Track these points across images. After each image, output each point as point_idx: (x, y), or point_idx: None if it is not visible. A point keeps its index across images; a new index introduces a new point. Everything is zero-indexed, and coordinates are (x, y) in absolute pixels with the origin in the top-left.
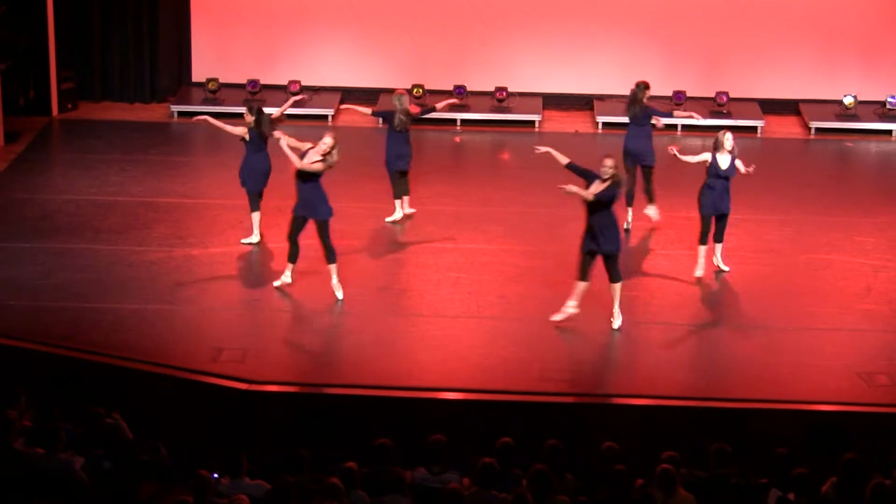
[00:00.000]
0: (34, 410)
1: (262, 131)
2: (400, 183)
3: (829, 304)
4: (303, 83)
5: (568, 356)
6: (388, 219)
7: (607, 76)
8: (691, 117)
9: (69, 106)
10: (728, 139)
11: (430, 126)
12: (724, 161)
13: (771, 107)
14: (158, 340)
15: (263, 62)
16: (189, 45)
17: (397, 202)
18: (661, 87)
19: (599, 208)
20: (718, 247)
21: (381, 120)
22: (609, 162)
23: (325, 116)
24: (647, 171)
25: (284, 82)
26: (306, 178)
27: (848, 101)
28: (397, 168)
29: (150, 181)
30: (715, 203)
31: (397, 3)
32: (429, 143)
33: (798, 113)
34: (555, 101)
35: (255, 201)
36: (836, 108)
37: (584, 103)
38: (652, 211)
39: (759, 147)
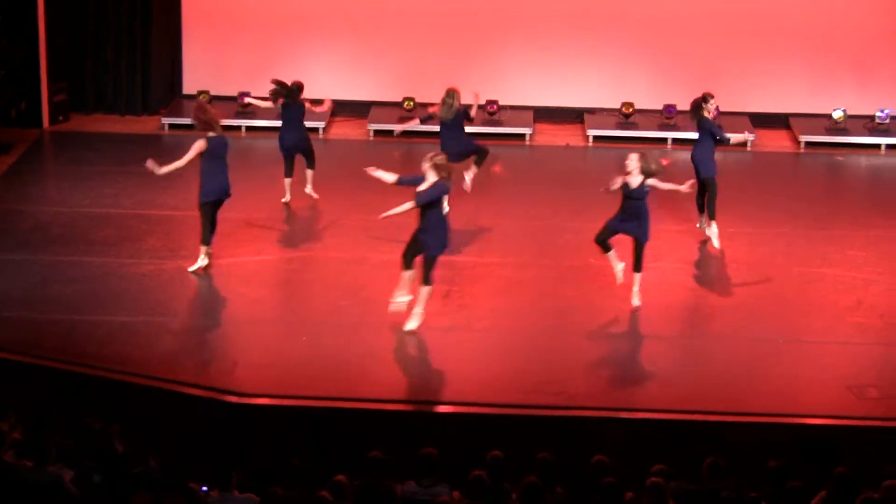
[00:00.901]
0: (24, 423)
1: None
2: None
3: (821, 316)
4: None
5: (560, 369)
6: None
7: (598, 90)
8: (744, 137)
9: (61, 118)
10: (631, 160)
11: (421, 139)
12: (634, 182)
13: (761, 120)
14: (149, 353)
15: (255, 75)
16: (181, 57)
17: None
18: (651, 101)
19: (428, 208)
20: (636, 276)
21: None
22: (427, 164)
23: (316, 129)
24: (704, 184)
25: None
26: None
27: (838, 115)
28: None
29: (142, 193)
30: (620, 225)
31: (390, 15)
32: (419, 156)
33: (788, 127)
34: (546, 115)
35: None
36: (826, 122)
37: (575, 116)
38: (712, 232)
39: (749, 160)
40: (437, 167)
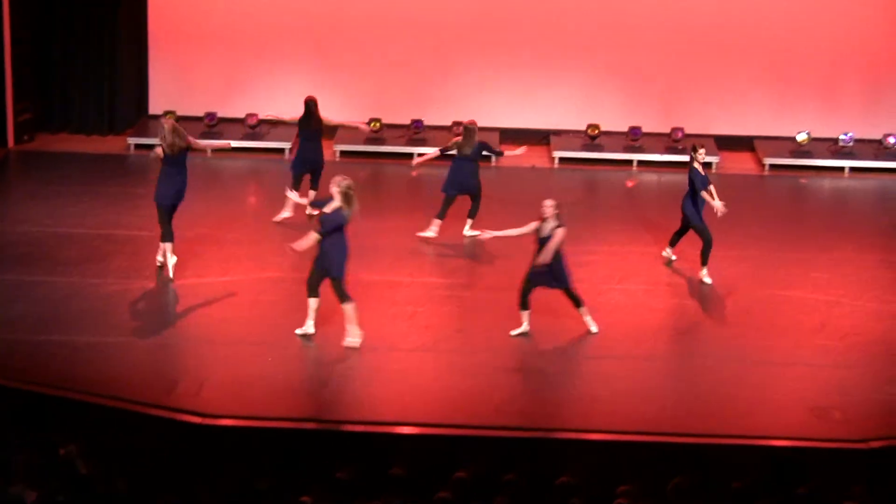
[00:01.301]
0: None
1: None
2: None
3: (785, 339)
4: (261, 116)
5: (526, 390)
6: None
7: (564, 111)
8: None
9: (26, 137)
10: (547, 206)
11: (388, 160)
12: (545, 230)
13: (726, 143)
14: (114, 373)
15: (221, 95)
16: (147, 77)
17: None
18: (617, 123)
19: (330, 232)
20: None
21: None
22: (335, 189)
23: (283, 150)
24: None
25: (242, 115)
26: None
27: (801, 137)
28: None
29: (107, 213)
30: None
31: (356, 36)
32: (386, 177)
33: (753, 149)
34: (512, 136)
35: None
36: (790, 145)
37: (541, 138)
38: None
39: (714, 183)
40: (343, 195)
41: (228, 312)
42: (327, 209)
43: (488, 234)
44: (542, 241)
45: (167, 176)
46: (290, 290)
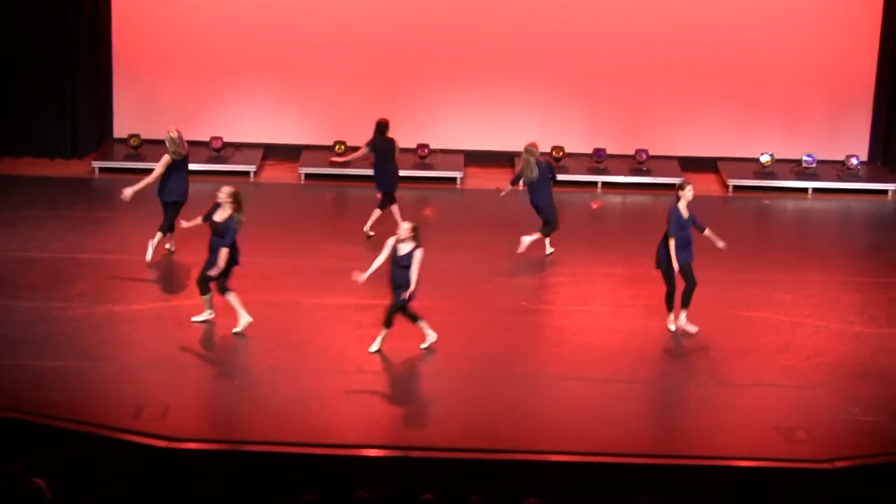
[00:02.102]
0: None
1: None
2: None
3: (750, 359)
4: (225, 139)
5: (493, 412)
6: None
7: (529, 134)
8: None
9: None
10: (403, 229)
11: (352, 183)
12: (403, 249)
13: (690, 164)
14: (79, 398)
15: (186, 118)
16: (111, 100)
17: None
18: (581, 145)
19: (214, 234)
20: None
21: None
22: (223, 196)
23: (248, 173)
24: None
25: (207, 138)
26: None
27: (765, 159)
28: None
29: (71, 237)
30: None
31: (320, 59)
32: (351, 200)
33: (717, 171)
34: (477, 158)
35: (387, 201)
36: (754, 167)
37: (505, 160)
38: (682, 322)
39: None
40: (232, 201)
41: (193, 336)
42: (217, 217)
43: (362, 278)
44: (397, 262)
45: (175, 176)
46: (254, 312)
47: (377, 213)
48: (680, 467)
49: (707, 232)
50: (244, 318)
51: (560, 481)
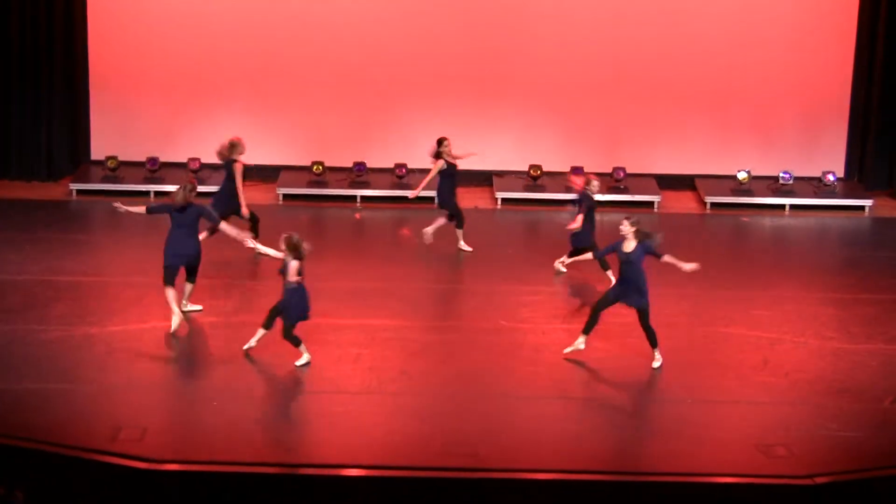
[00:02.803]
0: None
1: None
2: None
3: (728, 376)
4: (203, 160)
5: (472, 431)
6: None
7: (506, 152)
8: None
9: None
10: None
11: (330, 203)
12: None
13: (667, 182)
14: (57, 420)
15: (163, 140)
16: (88, 122)
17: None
18: (558, 163)
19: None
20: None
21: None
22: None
23: None
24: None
25: (185, 160)
26: None
27: (742, 176)
28: None
29: (49, 259)
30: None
31: (298, 79)
32: (328, 220)
33: (694, 188)
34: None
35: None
36: (732, 184)
37: (483, 179)
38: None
39: (656, 222)
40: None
41: (171, 357)
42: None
43: (255, 246)
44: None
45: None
46: (233, 333)
47: (459, 232)
48: (659, 484)
49: (667, 258)
50: (305, 354)
51: (540, 499)
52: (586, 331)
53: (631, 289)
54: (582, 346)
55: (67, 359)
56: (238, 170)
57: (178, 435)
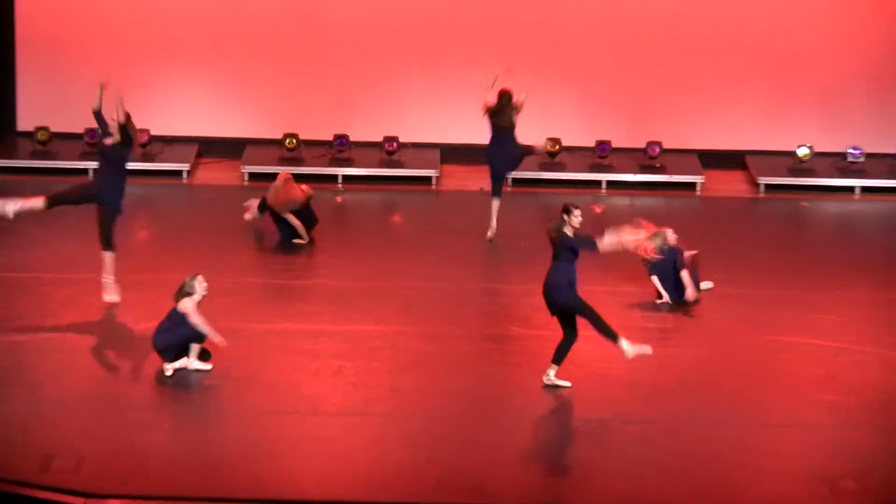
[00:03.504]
0: None
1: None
2: None
3: (785, 394)
4: (152, 132)
5: (474, 460)
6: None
7: (518, 124)
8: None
9: None
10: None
11: (306, 184)
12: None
13: (712, 160)
14: None
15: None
16: (13, 88)
17: None
18: (582, 138)
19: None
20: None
21: None
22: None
23: (180, 172)
24: None
25: None
26: None
27: (802, 152)
28: None
29: None
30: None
31: (266, 38)
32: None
33: (744, 167)
34: (454, 154)
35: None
36: (789, 162)
37: None
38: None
39: (697, 207)
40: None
41: (115, 371)
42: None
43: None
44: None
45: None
46: None
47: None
48: None
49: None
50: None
51: None
52: (556, 361)
53: (546, 296)
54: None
55: None
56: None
57: (122, 464)
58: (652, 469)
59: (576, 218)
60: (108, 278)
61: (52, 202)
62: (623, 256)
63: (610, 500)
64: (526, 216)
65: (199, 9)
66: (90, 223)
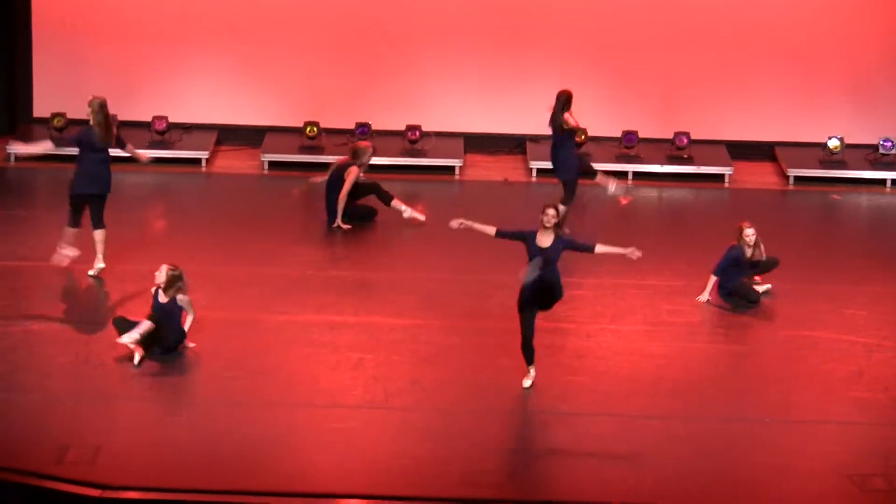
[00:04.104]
0: None
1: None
2: None
3: (814, 391)
4: (171, 119)
5: (496, 455)
6: None
7: (542, 113)
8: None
9: None
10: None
11: (325, 173)
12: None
13: (741, 151)
14: None
15: (122, 95)
16: (30, 74)
17: None
18: (608, 128)
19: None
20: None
21: None
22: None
23: (198, 160)
24: None
25: (148, 118)
26: None
27: (833, 144)
28: None
29: None
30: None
31: (286, 24)
32: (322, 195)
33: (774, 158)
34: (479, 143)
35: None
36: (820, 153)
37: (514, 146)
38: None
39: (726, 199)
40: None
41: (129, 361)
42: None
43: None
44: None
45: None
46: (205, 333)
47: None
48: None
49: (601, 248)
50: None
51: None
52: (529, 361)
53: (555, 291)
54: (529, 382)
55: (3, 362)
56: (351, 176)
57: (138, 456)
58: (677, 465)
59: (545, 217)
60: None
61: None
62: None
63: (635, 496)
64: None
65: None
66: (106, 212)
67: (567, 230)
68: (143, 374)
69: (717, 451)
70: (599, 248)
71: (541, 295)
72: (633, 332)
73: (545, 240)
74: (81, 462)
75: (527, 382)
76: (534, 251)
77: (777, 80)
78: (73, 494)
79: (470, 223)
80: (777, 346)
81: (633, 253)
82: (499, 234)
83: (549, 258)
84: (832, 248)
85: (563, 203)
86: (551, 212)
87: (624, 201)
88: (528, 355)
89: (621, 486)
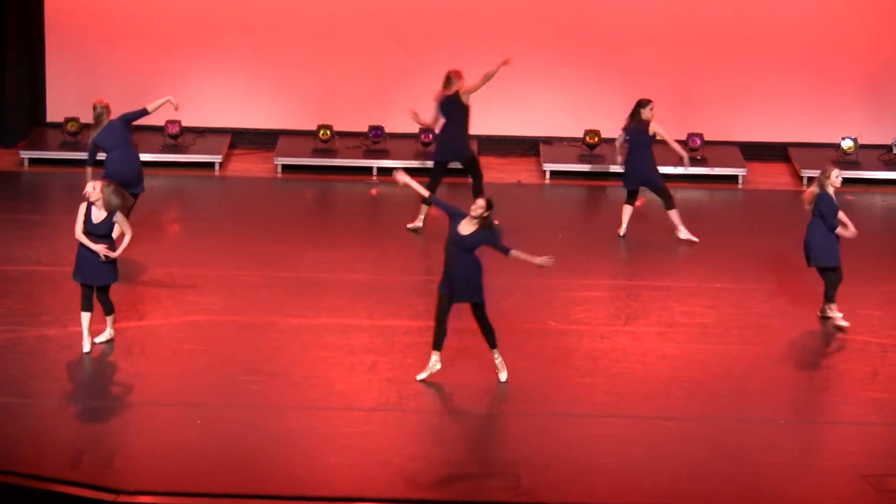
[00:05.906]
0: None
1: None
2: None
3: (829, 391)
4: (184, 123)
5: (511, 457)
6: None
7: (556, 115)
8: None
9: None
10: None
11: (340, 176)
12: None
13: (755, 152)
14: (6, 442)
15: (132, 100)
16: (43, 78)
17: None
18: (619, 128)
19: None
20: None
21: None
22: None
23: (212, 164)
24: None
25: (161, 122)
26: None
27: (847, 144)
28: None
29: None
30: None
31: (299, 28)
32: (339, 197)
33: (787, 159)
34: (492, 145)
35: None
36: (833, 154)
37: (528, 148)
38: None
39: (740, 199)
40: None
41: (144, 365)
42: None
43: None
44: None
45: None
46: (219, 336)
47: (672, 214)
48: None
49: (515, 253)
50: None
51: None
52: (437, 346)
53: (461, 282)
54: (437, 367)
55: (17, 367)
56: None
57: (153, 460)
58: (692, 466)
59: (472, 207)
60: None
61: None
62: (663, 251)
63: (650, 497)
64: (565, 209)
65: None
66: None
67: (499, 224)
68: (157, 380)
69: (732, 452)
70: (514, 253)
71: (449, 282)
72: (647, 334)
73: (466, 228)
74: (97, 466)
75: (421, 375)
76: (453, 233)
77: (790, 80)
78: (88, 499)
79: (411, 181)
80: (791, 346)
81: (546, 262)
82: (432, 198)
83: (461, 245)
84: (846, 249)
85: (666, 207)
86: (480, 202)
87: (638, 203)
88: (435, 338)
89: (637, 487)
